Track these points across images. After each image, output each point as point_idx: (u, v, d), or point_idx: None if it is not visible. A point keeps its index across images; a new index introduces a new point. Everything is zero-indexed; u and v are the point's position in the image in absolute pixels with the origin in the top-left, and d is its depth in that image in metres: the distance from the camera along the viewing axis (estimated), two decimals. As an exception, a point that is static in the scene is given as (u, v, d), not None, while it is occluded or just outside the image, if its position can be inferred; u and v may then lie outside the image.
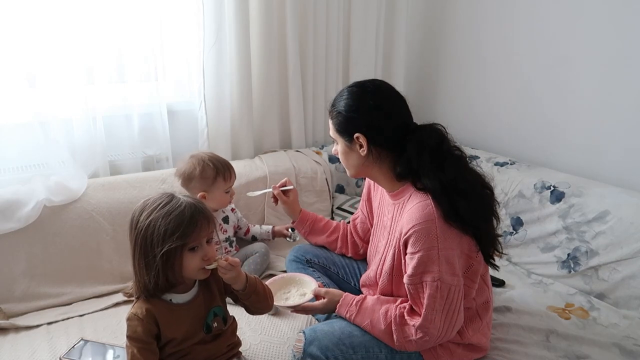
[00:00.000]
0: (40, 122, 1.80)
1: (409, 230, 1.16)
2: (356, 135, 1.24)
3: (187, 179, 1.68)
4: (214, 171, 1.66)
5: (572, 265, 1.75)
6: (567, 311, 1.59)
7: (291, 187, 1.64)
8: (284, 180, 1.64)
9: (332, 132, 1.33)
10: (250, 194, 1.76)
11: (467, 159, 1.25)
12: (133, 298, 1.15)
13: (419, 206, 1.16)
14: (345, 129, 1.27)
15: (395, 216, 1.28)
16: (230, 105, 2.16)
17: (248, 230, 1.92)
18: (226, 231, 1.80)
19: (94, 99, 1.87)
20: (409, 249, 1.16)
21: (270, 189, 1.64)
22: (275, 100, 2.28)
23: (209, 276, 1.17)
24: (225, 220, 1.81)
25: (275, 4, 2.15)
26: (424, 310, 1.15)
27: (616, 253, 1.63)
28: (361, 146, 1.25)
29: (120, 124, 2.01)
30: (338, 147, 1.33)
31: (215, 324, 1.18)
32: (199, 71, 2.06)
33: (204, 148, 2.13)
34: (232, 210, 1.86)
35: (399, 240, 1.20)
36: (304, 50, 2.30)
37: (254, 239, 1.92)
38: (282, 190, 1.62)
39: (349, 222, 1.67)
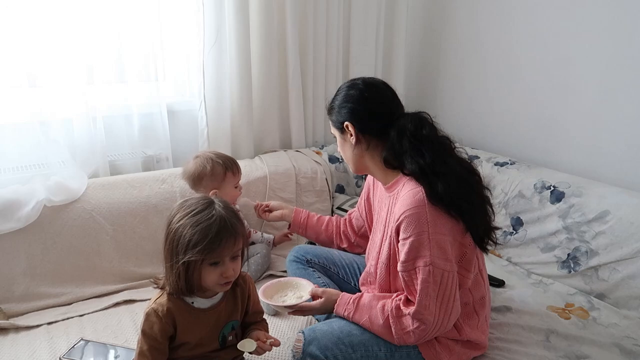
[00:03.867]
0: (40, 122, 1.80)
1: (400, 216, 1.18)
2: (345, 124, 1.31)
3: (197, 179, 1.69)
4: (223, 167, 1.70)
5: (572, 265, 1.75)
6: (567, 311, 1.59)
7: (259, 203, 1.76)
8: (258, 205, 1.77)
9: (331, 128, 1.40)
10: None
11: (453, 145, 1.28)
12: (161, 289, 1.14)
13: (410, 193, 1.19)
14: (337, 120, 1.34)
15: (391, 207, 1.30)
16: (230, 105, 2.16)
17: (249, 235, 1.92)
18: None
19: (94, 99, 1.87)
20: (401, 235, 1.18)
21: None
22: (275, 100, 2.28)
23: (237, 290, 1.18)
24: None
25: (275, 4, 2.15)
26: (417, 296, 1.16)
27: (616, 253, 1.63)
28: (351, 135, 1.31)
29: (120, 124, 2.01)
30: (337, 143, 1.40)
31: (230, 337, 1.17)
32: (199, 71, 2.06)
33: (204, 148, 2.13)
34: (237, 212, 1.87)
35: (393, 229, 1.22)
36: (304, 50, 2.30)
37: (252, 244, 1.93)
38: (265, 210, 1.73)
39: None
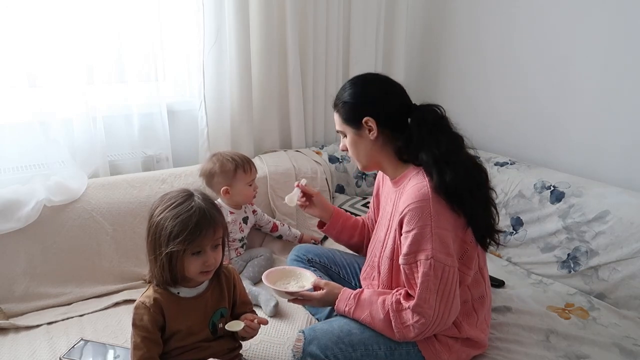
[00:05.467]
0: (40, 122, 1.80)
1: (404, 209, 1.19)
2: (365, 119, 1.29)
3: (209, 176, 1.75)
4: (234, 164, 1.74)
5: (572, 265, 1.75)
6: (567, 311, 1.59)
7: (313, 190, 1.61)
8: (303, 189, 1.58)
9: (339, 125, 1.36)
10: (288, 201, 1.57)
11: (465, 142, 1.29)
12: (148, 283, 1.19)
13: (415, 187, 1.20)
14: (353, 117, 1.31)
15: (396, 202, 1.30)
16: (230, 105, 2.16)
17: (275, 228, 1.96)
18: (243, 230, 1.83)
19: (94, 99, 1.87)
20: (404, 228, 1.19)
21: (297, 191, 1.57)
22: (275, 100, 2.28)
23: (222, 278, 1.22)
24: (245, 220, 1.84)
25: (275, 4, 2.15)
26: (417, 289, 1.16)
27: (616, 253, 1.63)
28: (370, 130, 1.30)
29: (120, 124, 2.01)
30: (347, 140, 1.36)
31: (220, 325, 1.20)
32: (199, 71, 2.06)
33: (204, 148, 2.13)
34: (254, 212, 1.89)
35: (396, 222, 1.23)
36: (304, 50, 2.30)
37: (280, 237, 1.99)
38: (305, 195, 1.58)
39: None
